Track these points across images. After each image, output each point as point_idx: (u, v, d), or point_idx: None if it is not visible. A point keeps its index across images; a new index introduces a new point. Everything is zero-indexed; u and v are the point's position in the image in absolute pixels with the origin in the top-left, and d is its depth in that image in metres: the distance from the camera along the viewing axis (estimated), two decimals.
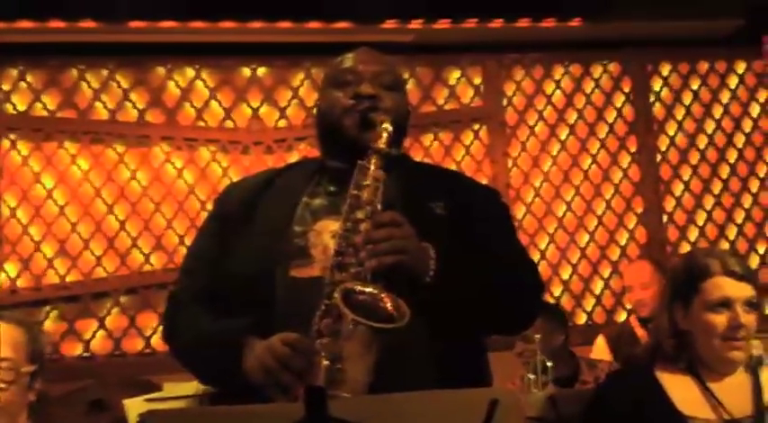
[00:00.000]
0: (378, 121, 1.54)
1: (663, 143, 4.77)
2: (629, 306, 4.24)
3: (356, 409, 1.01)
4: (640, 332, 3.81)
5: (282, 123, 4.42)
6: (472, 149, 4.57)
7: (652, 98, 4.79)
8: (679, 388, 1.88)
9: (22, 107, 4.19)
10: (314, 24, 4.39)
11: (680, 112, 4.81)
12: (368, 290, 1.36)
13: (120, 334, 4.12)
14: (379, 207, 1.46)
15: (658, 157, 4.74)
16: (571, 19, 4.61)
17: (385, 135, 1.52)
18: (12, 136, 4.16)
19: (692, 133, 4.79)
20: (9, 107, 4.18)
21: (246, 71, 4.44)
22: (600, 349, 3.85)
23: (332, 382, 1.29)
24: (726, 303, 1.89)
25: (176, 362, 1.60)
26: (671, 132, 4.78)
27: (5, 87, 4.19)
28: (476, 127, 4.60)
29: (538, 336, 3.10)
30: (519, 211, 4.54)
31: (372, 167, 1.49)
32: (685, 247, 4.68)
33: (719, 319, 1.88)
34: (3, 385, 1.88)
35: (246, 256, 1.55)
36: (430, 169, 1.89)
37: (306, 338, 1.36)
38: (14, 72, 4.21)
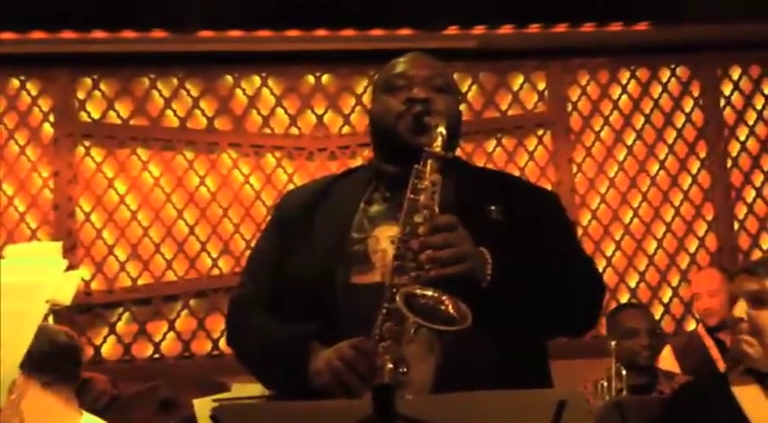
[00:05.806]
0: (432, 125, 1.53)
1: (734, 148, 4.65)
2: (698, 315, 4.15)
3: (423, 408, 1.02)
4: (708, 341, 3.72)
5: (346, 130, 4.46)
6: (536, 155, 4.53)
7: (722, 102, 4.68)
8: (753, 401, 1.83)
9: (96, 115, 4.32)
10: (377, 32, 4.42)
11: (751, 117, 4.68)
12: (429, 293, 1.37)
13: (189, 336, 4.21)
14: (436, 210, 1.46)
15: (729, 163, 4.63)
16: (638, 23, 4.54)
17: (440, 138, 1.51)
18: (86, 143, 4.29)
19: (764, 138, 4.65)
20: (84, 115, 4.32)
21: (311, 78, 4.49)
22: (666, 360, 3.77)
23: (396, 383, 1.30)
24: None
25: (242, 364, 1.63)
26: (742, 137, 4.66)
27: (80, 96, 4.33)
28: (540, 132, 4.56)
29: (614, 343, 3.08)
30: (584, 218, 4.48)
31: (428, 171, 1.49)
32: (758, 255, 4.55)
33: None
34: None
35: (307, 260, 1.56)
36: (484, 173, 1.88)
37: (370, 342, 1.37)
38: (89, 81, 4.34)
